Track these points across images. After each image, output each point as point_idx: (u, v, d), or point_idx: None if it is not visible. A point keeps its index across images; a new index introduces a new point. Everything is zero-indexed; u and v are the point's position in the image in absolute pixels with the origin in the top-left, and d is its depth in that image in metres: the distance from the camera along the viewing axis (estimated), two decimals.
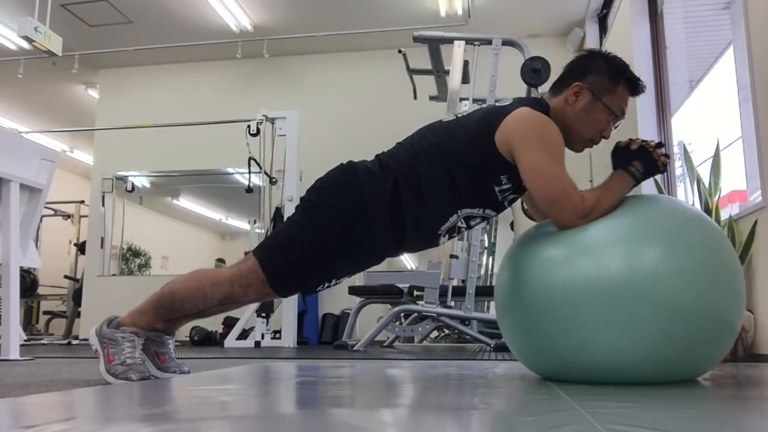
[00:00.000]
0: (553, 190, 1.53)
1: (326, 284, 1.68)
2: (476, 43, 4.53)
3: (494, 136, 1.58)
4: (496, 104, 1.73)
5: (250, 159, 5.36)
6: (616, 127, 1.70)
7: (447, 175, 1.61)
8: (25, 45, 4.96)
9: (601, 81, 1.64)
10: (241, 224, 8.11)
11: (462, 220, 1.67)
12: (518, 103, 1.65)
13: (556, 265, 1.47)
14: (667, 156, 1.62)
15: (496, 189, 1.63)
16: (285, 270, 1.63)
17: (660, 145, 1.62)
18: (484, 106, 1.79)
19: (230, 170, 7.27)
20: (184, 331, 5.84)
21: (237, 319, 5.17)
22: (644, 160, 1.59)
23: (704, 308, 1.38)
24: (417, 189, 1.61)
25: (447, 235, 1.70)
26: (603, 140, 1.70)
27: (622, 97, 1.64)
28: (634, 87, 1.66)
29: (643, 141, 1.62)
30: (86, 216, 7.83)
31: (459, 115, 1.73)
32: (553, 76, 4.29)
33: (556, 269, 1.46)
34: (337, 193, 1.64)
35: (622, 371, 1.41)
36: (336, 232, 1.61)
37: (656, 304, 1.35)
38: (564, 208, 1.51)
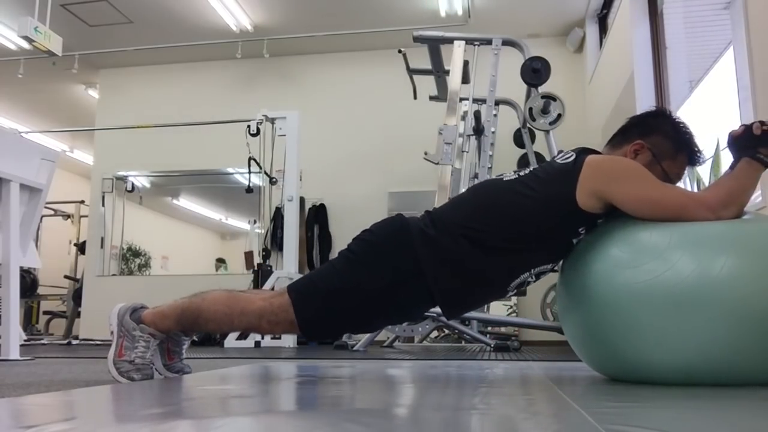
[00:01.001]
0: (667, 209, 1.49)
1: (354, 333, 1.67)
2: (476, 43, 4.53)
3: (575, 195, 1.54)
4: (557, 161, 1.66)
5: (250, 159, 5.36)
6: None
7: (521, 239, 1.56)
8: (25, 45, 4.96)
9: (665, 145, 1.62)
10: (241, 224, 8.11)
11: (533, 276, 1.63)
12: (581, 153, 1.62)
13: (622, 266, 1.44)
14: None
15: (574, 241, 1.61)
16: (318, 318, 1.59)
17: None
18: (544, 164, 1.71)
19: (230, 170, 7.27)
20: None
21: None
22: None
23: None
24: (485, 251, 1.55)
25: (516, 289, 1.66)
26: None
27: (681, 166, 1.63)
28: (695, 159, 1.64)
29: (762, 123, 1.50)
30: (86, 216, 7.82)
31: (519, 174, 1.67)
32: (553, 76, 4.32)
33: (623, 270, 1.43)
34: (386, 252, 1.58)
35: (689, 375, 1.40)
36: (377, 291, 1.56)
37: (727, 309, 1.33)
38: (694, 214, 1.46)
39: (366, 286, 1.56)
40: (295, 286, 1.63)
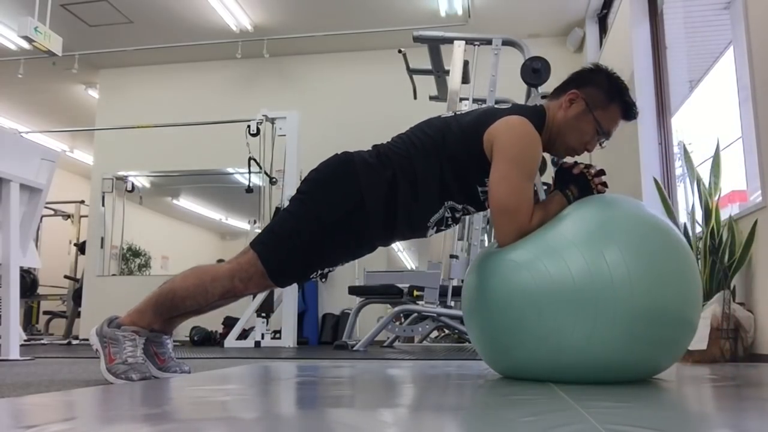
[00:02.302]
0: (509, 202, 1.56)
1: (320, 272, 1.71)
2: (476, 43, 4.53)
3: (483, 135, 1.61)
4: (496, 106, 1.76)
5: (250, 159, 5.36)
6: (601, 146, 1.73)
7: (439, 168, 1.64)
8: (25, 45, 4.96)
9: (597, 94, 1.67)
10: (241, 224, 8.11)
11: (448, 211, 1.71)
12: (515, 109, 1.68)
13: (520, 268, 1.49)
14: (605, 185, 1.68)
15: (479, 189, 1.67)
16: (284, 262, 1.65)
17: (601, 172, 1.68)
18: (483, 106, 1.81)
19: (230, 170, 7.27)
20: (183, 331, 5.84)
21: (237, 319, 5.18)
22: (581, 186, 1.64)
23: (663, 307, 1.40)
24: (413, 181, 1.64)
25: (435, 228, 1.74)
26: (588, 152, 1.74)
27: (612, 117, 1.68)
28: (628, 110, 1.69)
29: (585, 166, 1.67)
30: (86, 216, 7.83)
31: (458, 113, 1.76)
32: (553, 76, 4.32)
33: (520, 271, 1.48)
34: (333, 185, 1.66)
35: (583, 370, 1.44)
36: (333, 223, 1.63)
37: (615, 305, 1.37)
38: (511, 222, 1.55)
39: (320, 219, 1.64)
40: (256, 239, 1.69)
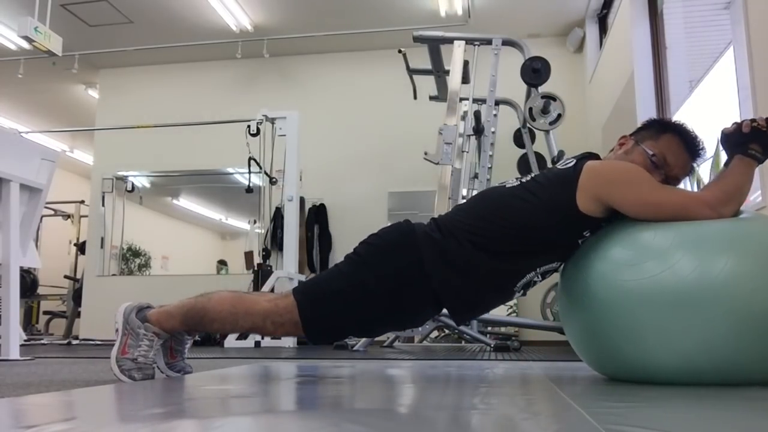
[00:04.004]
0: (667, 211, 1.50)
1: (359, 337, 1.67)
2: (476, 43, 4.53)
3: (575, 198, 1.55)
4: (558, 166, 1.70)
5: (250, 159, 5.36)
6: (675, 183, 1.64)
7: (525, 243, 1.58)
8: (25, 45, 4.96)
9: (647, 132, 1.65)
10: (241, 224, 8.11)
11: (539, 276, 1.64)
12: (582, 159, 1.64)
13: (623, 266, 1.45)
14: None
15: (580, 242, 1.62)
16: (322, 319, 1.60)
17: None
18: (545, 171, 1.75)
19: (230, 170, 7.27)
20: None
21: None
22: (761, 140, 1.52)
23: None
24: (491, 255, 1.56)
25: (522, 290, 1.66)
26: None
27: (666, 145, 1.61)
28: (687, 140, 1.61)
29: (752, 120, 1.53)
30: (86, 216, 7.82)
31: (522, 180, 1.69)
32: (553, 76, 4.32)
33: (624, 270, 1.44)
34: (391, 254, 1.60)
35: (688, 375, 1.40)
36: (383, 293, 1.56)
37: (727, 309, 1.34)
38: (694, 213, 1.48)
39: (370, 288, 1.56)
40: (300, 288, 1.64)
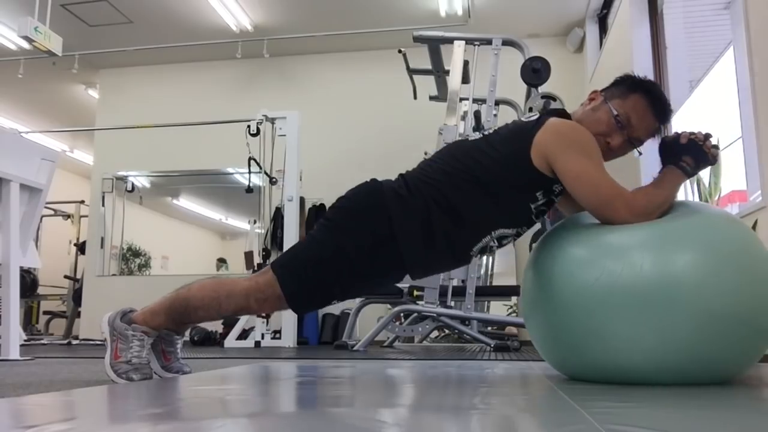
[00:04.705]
0: (600, 194, 1.51)
1: (338, 300, 1.67)
2: (476, 43, 4.53)
3: (530, 152, 1.55)
4: (523, 119, 1.70)
5: (250, 159, 5.35)
6: (634, 147, 1.63)
7: (483, 198, 1.58)
8: (25, 45, 4.96)
9: (617, 89, 1.63)
10: (241, 224, 8.11)
11: (495, 240, 1.64)
12: (545, 115, 1.63)
13: (583, 267, 1.45)
14: (716, 147, 1.57)
15: (532, 206, 1.61)
16: (304, 289, 1.61)
17: (708, 136, 1.56)
18: (509, 123, 1.74)
19: (230, 170, 7.27)
20: None
21: (237, 319, 5.17)
22: (694, 154, 1.54)
23: (736, 313, 1.35)
24: (451, 212, 1.58)
25: (478, 255, 1.68)
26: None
27: (632, 106, 1.59)
28: (655, 104, 1.59)
29: (690, 133, 1.55)
30: (86, 216, 7.82)
31: (486, 133, 1.70)
32: (553, 76, 4.32)
33: (584, 270, 1.44)
34: (363, 216, 1.61)
35: (650, 374, 1.40)
36: (359, 255, 1.58)
37: (688, 307, 1.34)
38: (616, 209, 1.49)
39: (346, 250, 1.58)
40: (278, 261, 1.65)
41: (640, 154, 1.64)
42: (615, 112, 1.59)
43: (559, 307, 1.49)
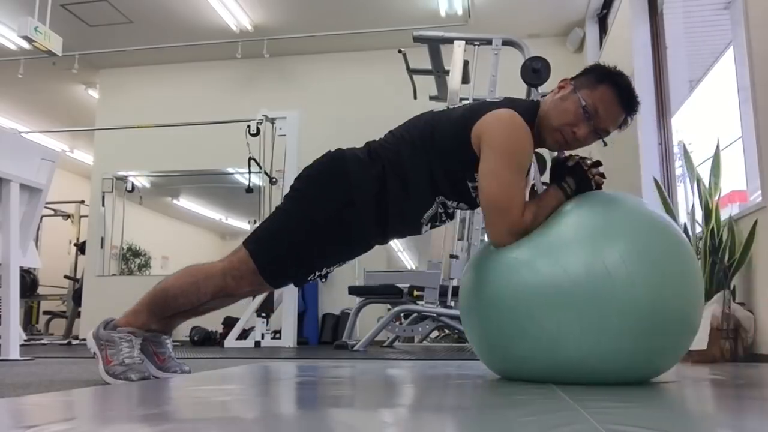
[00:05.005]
0: (499, 197, 1.53)
1: (317, 273, 1.68)
2: (476, 43, 4.53)
3: (471, 130, 1.57)
4: (488, 100, 1.74)
5: (250, 159, 5.36)
6: (602, 138, 1.63)
7: (428, 163, 1.62)
8: (25, 45, 4.96)
9: (586, 79, 1.63)
10: (241, 224, 8.11)
11: (440, 206, 1.68)
12: (506, 102, 1.64)
13: (517, 267, 1.47)
14: (602, 175, 1.62)
15: (469, 185, 1.64)
16: (276, 260, 1.64)
17: (597, 164, 1.63)
18: (478, 100, 1.79)
19: (230, 170, 7.27)
20: (183, 331, 5.84)
21: (237, 319, 5.18)
22: (577, 178, 1.59)
23: (662, 308, 1.38)
24: (402, 176, 1.62)
25: (429, 224, 1.72)
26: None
27: (600, 97, 1.58)
28: (622, 93, 1.59)
29: (581, 158, 1.62)
30: (86, 216, 7.82)
31: (450, 107, 1.74)
32: (553, 76, 4.32)
33: (518, 271, 1.47)
34: (325, 182, 1.65)
35: (580, 371, 1.42)
36: (324, 220, 1.61)
37: (613, 304, 1.36)
38: (502, 218, 1.52)
39: (313, 217, 1.62)
40: (249, 237, 1.68)
41: (605, 144, 1.65)
42: (583, 103, 1.59)
43: (495, 307, 1.51)
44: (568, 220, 1.50)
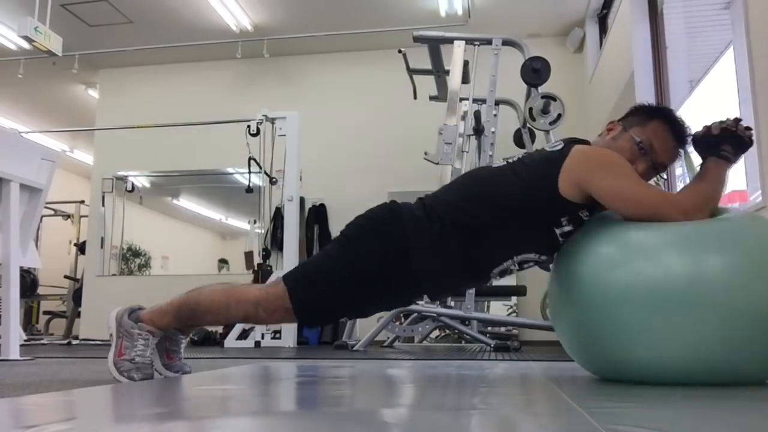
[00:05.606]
0: (644, 207, 1.50)
1: (350, 319, 1.68)
2: (476, 43, 4.53)
3: (557, 180, 1.55)
4: (546, 148, 1.71)
5: (250, 159, 5.36)
6: (658, 173, 1.64)
7: (503, 224, 1.58)
8: (25, 45, 4.96)
9: (635, 118, 1.65)
10: (241, 224, 8.11)
11: (516, 264, 1.64)
12: (570, 143, 1.64)
13: (612, 266, 1.45)
14: (749, 128, 1.57)
15: (557, 231, 1.60)
16: (313, 302, 1.61)
17: (737, 120, 1.57)
18: (533, 152, 1.75)
19: (230, 170, 7.27)
20: None
21: None
22: (731, 141, 1.55)
23: (766, 314, 1.34)
24: (470, 235, 1.58)
25: (498, 276, 1.68)
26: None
27: (653, 132, 1.60)
28: (674, 127, 1.60)
29: (720, 122, 1.56)
30: (86, 216, 7.82)
31: (509, 161, 1.71)
32: (553, 76, 4.32)
33: (615, 270, 1.44)
34: (378, 234, 1.61)
35: (679, 375, 1.40)
36: (371, 273, 1.58)
37: (718, 309, 1.33)
38: (668, 215, 1.48)
39: (358, 268, 1.59)
40: (290, 274, 1.66)
41: (666, 179, 1.65)
42: (638, 139, 1.60)
43: (586, 307, 1.48)
44: (665, 224, 1.47)
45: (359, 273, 1.58)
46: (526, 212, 1.58)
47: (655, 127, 1.61)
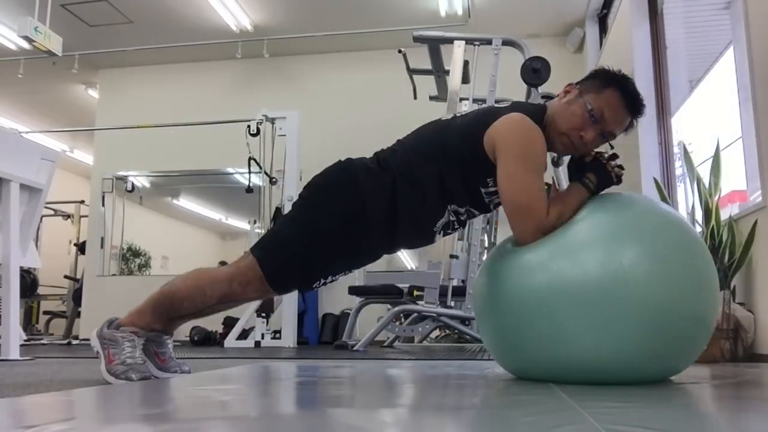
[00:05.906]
0: (520, 199, 1.54)
1: (323, 281, 1.69)
2: (476, 43, 4.53)
3: (483, 136, 1.59)
4: (495, 105, 1.74)
5: (250, 159, 5.36)
6: (609, 141, 1.65)
7: (438, 172, 1.62)
8: (25, 45, 4.96)
9: (591, 83, 1.65)
10: (241, 224, 8.11)
11: (452, 215, 1.68)
12: (515, 107, 1.65)
13: (534, 268, 1.47)
14: (621, 167, 1.63)
15: (482, 191, 1.65)
16: (283, 268, 1.64)
17: (614, 156, 1.63)
18: (483, 106, 1.79)
19: (230, 170, 7.27)
20: (184, 331, 5.83)
21: (237, 319, 5.18)
22: (597, 172, 1.60)
23: (679, 308, 1.38)
24: (413, 186, 1.62)
25: (442, 232, 1.73)
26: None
27: (609, 103, 1.60)
28: (628, 97, 1.61)
29: (597, 153, 1.64)
30: (86, 216, 7.82)
31: (458, 114, 1.74)
32: (553, 76, 4.32)
33: (534, 272, 1.47)
34: (335, 191, 1.65)
35: (598, 371, 1.42)
36: (333, 229, 1.62)
37: (630, 304, 1.35)
38: (527, 220, 1.53)
39: (321, 226, 1.62)
40: (257, 244, 1.69)
41: (612, 147, 1.67)
42: (589, 107, 1.60)
43: (510, 309, 1.51)
44: (583, 222, 1.49)
45: (322, 230, 1.62)
46: (457, 164, 1.61)
47: (608, 96, 1.61)
